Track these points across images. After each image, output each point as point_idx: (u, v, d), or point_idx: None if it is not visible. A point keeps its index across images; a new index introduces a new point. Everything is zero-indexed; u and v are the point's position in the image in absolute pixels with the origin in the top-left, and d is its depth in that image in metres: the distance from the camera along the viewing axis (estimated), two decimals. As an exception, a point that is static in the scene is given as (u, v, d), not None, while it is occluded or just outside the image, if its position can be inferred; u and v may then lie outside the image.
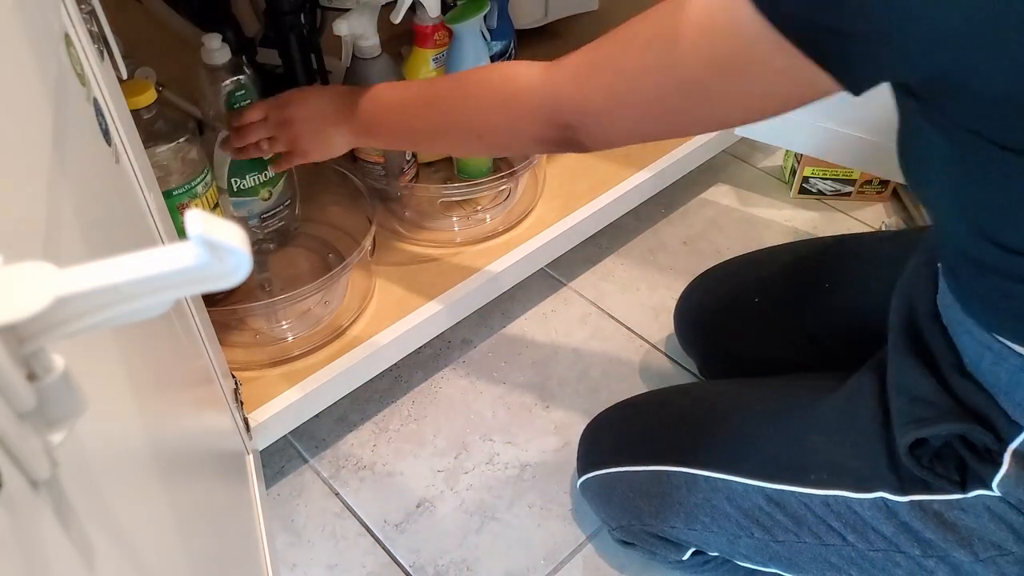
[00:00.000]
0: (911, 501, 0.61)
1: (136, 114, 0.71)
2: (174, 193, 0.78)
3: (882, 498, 0.63)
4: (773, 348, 0.87)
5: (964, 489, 0.59)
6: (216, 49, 0.80)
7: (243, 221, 0.90)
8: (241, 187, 0.87)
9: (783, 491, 0.67)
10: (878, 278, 0.82)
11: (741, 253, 0.97)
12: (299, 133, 0.78)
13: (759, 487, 0.68)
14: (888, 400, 0.64)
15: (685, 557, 0.78)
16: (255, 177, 0.87)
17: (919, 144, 0.54)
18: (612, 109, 0.56)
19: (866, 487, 0.63)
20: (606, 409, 0.85)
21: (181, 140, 0.77)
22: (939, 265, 0.62)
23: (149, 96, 0.72)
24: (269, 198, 0.90)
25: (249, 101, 0.84)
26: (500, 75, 0.63)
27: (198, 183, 0.79)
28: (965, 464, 0.59)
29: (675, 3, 0.51)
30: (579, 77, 0.57)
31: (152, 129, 0.74)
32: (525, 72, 0.61)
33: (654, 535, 0.76)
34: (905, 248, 0.81)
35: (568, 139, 0.60)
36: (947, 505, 0.60)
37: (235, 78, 0.82)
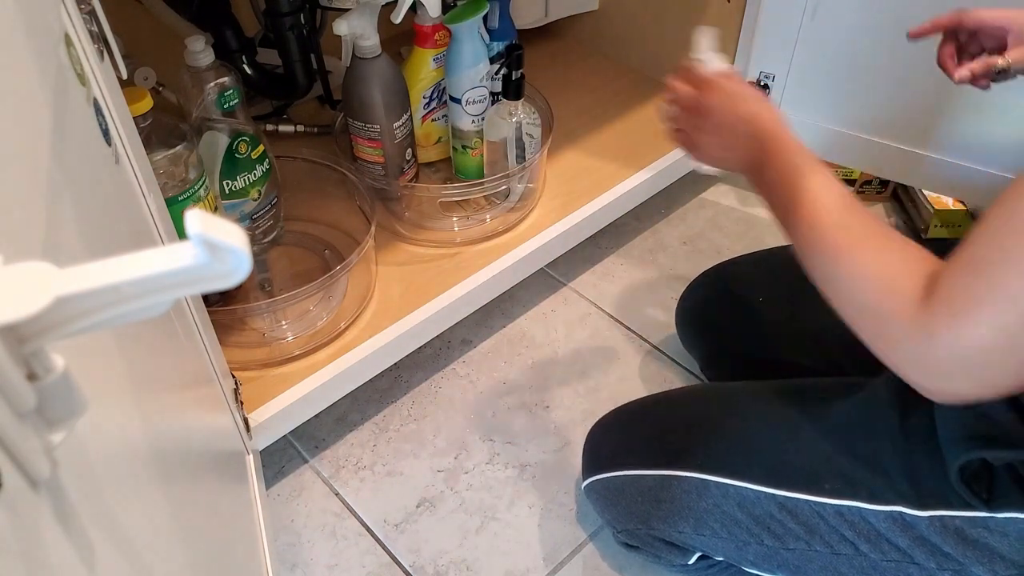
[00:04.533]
0: (931, 516, 0.60)
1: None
2: (179, 199, 0.78)
3: (899, 511, 0.62)
4: (776, 349, 0.87)
5: (991, 508, 0.57)
6: (199, 51, 0.80)
7: (235, 223, 0.90)
8: (233, 188, 0.87)
9: (796, 499, 0.66)
10: None
11: (741, 253, 0.97)
12: (705, 130, 0.69)
13: (771, 494, 0.67)
14: (913, 406, 0.63)
15: (690, 561, 0.77)
16: (246, 177, 0.87)
17: None
18: (999, 356, 0.47)
19: (882, 499, 0.62)
20: (611, 411, 0.84)
21: (179, 147, 0.77)
22: None
23: (145, 104, 0.72)
24: (259, 198, 0.90)
25: (237, 101, 0.84)
26: (882, 279, 0.53)
27: (200, 187, 0.79)
28: (993, 482, 0.57)
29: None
30: (951, 316, 0.48)
31: (148, 137, 0.74)
32: (906, 288, 0.51)
33: (660, 539, 0.76)
34: None
35: (918, 384, 0.52)
36: (970, 522, 0.59)
37: (219, 80, 0.82)
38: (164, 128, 0.76)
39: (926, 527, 0.61)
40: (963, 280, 0.48)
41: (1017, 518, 0.57)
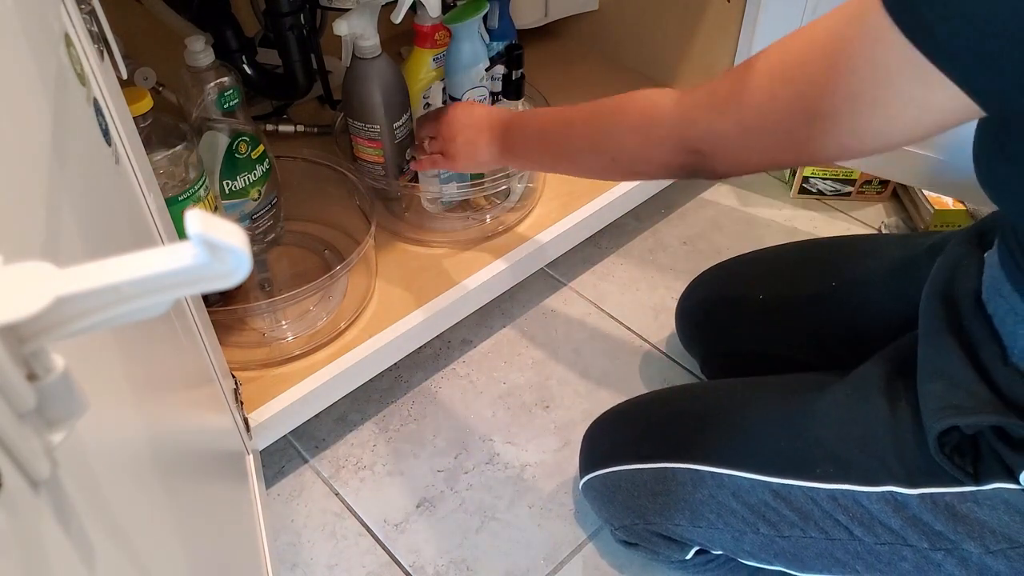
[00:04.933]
0: (921, 494, 0.61)
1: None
2: (179, 199, 0.78)
3: (891, 492, 0.62)
4: (776, 346, 0.87)
5: (978, 481, 0.59)
6: (200, 51, 0.80)
7: (236, 223, 0.90)
8: (233, 188, 0.87)
9: (789, 485, 0.67)
10: (886, 281, 0.82)
11: (741, 253, 0.97)
12: (455, 137, 0.82)
13: (765, 482, 0.68)
14: (900, 387, 0.64)
15: (688, 556, 0.78)
16: (246, 177, 0.87)
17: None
18: (742, 138, 0.57)
19: (874, 481, 0.63)
20: (608, 410, 0.85)
21: (179, 147, 0.76)
22: (989, 256, 0.61)
23: (145, 104, 0.72)
24: (259, 198, 0.90)
25: (237, 101, 0.84)
26: (637, 100, 0.65)
27: (200, 187, 0.79)
28: (979, 456, 0.59)
29: (806, 34, 0.51)
30: (711, 105, 0.58)
31: (148, 137, 0.74)
32: (660, 99, 0.62)
33: (657, 534, 0.76)
34: (915, 253, 0.81)
35: (698, 165, 0.61)
36: (959, 497, 0.60)
37: (219, 80, 0.82)
38: (164, 128, 0.76)
39: (917, 505, 0.61)
40: (727, 83, 0.57)
41: (1002, 488, 0.58)
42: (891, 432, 0.64)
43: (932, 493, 0.61)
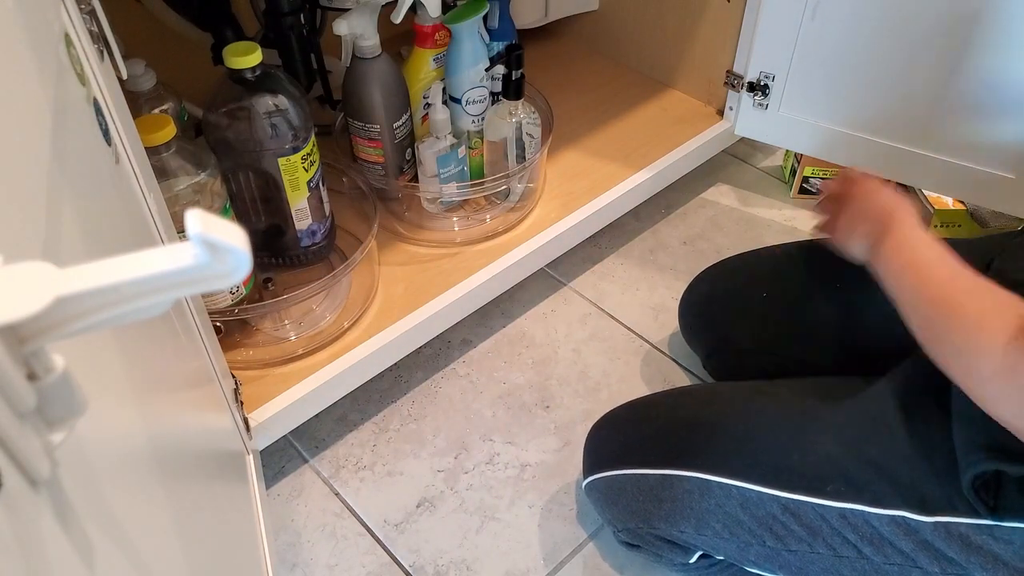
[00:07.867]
0: (936, 522, 0.61)
1: (154, 150, 0.70)
2: None
3: (903, 516, 0.62)
4: (779, 345, 0.87)
5: (997, 516, 0.58)
6: (140, 75, 0.79)
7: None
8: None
9: (799, 501, 0.66)
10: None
11: (743, 251, 0.97)
12: (841, 215, 0.76)
13: (774, 496, 0.67)
14: (917, 410, 0.64)
15: (692, 560, 0.77)
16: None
17: None
18: None
19: (885, 503, 0.63)
20: (614, 408, 0.84)
21: (203, 175, 0.74)
22: None
23: (168, 132, 0.70)
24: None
25: (187, 119, 0.83)
26: (974, 319, 0.56)
27: (228, 215, 0.79)
28: (1000, 491, 0.58)
29: None
30: None
31: (171, 165, 0.72)
32: (996, 328, 0.54)
33: (661, 538, 0.75)
34: None
35: (1005, 422, 0.54)
36: (975, 529, 0.59)
37: (162, 107, 0.80)
38: (188, 155, 0.74)
39: (930, 532, 0.61)
40: None
41: (1022, 528, 0.57)
42: (907, 457, 0.63)
43: (947, 522, 0.60)
